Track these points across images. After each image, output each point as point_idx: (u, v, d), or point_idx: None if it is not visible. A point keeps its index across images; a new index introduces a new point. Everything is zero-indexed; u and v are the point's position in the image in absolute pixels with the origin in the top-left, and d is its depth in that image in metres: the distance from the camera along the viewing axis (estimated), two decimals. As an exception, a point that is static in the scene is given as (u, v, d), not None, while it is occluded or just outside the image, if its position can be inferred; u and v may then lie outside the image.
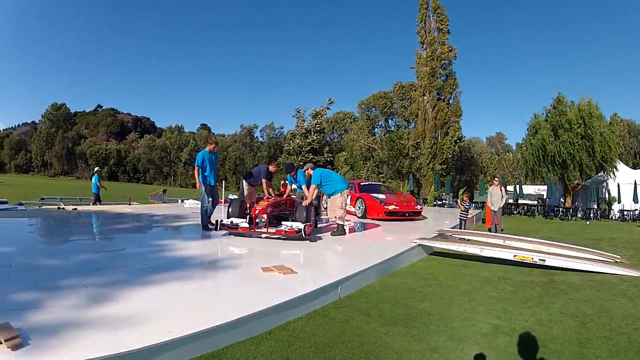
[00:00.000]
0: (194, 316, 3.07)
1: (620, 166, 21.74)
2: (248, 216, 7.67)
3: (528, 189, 27.79)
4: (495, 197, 10.62)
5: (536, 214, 21.23)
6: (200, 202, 7.97)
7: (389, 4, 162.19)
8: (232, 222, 7.21)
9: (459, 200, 16.32)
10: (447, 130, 29.86)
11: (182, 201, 17.22)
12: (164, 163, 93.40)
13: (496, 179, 11.54)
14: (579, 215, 19.86)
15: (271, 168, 8.48)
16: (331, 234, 7.75)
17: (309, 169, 7.97)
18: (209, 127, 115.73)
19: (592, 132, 19.76)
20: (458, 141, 30.35)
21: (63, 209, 12.35)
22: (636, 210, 20.33)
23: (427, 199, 25.08)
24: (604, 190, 22.39)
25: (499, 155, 53.24)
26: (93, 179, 14.66)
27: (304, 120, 42.61)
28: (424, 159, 30.22)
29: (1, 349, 2.34)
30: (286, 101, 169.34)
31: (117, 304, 3.27)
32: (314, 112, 42.33)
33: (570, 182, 21.50)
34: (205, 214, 7.75)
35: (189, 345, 2.70)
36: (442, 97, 30.47)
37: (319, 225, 8.69)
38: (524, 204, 23.02)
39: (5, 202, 12.47)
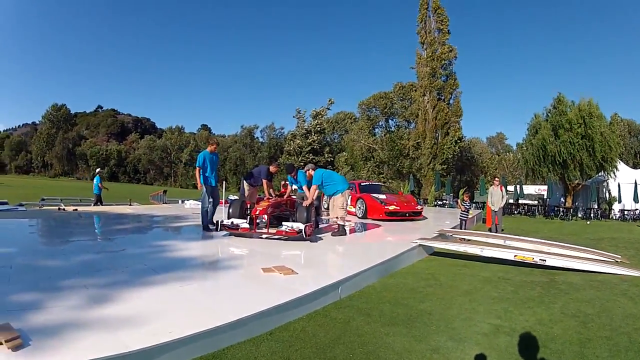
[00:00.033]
0: (195, 317, 3.07)
1: (621, 166, 21.72)
2: (248, 217, 7.67)
3: (528, 189, 27.79)
4: (496, 197, 10.61)
5: (536, 214, 21.22)
6: (200, 203, 7.97)
7: (389, 4, 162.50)
8: (232, 222, 7.21)
9: (459, 201, 16.32)
10: (448, 130, 29.87)
11: (183, 202, 17.23)
12: (165, 164, 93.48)
13: (497, 179, 11.54)
14: (580, 215, 19.84)
15: (272, 168, 8.48)
16: (332, 234, 7.75)
17: (310, 170, 7.97)
18: (209, 128, 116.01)
19: (592, 132, 19.74)
20: (458, 141, 30.37)
21: (63, 209, 12.36)
22: (636, 210, 20.30)
23: (427, 199, 25.08)
24: (604, 190, 22.38)
25: (499, 155, 53.29)
26: (95, 180, 14.66)
27: (304, 121, 42.65)
28: (425, 159, 30.24)
29: (2, 349, 2.34)
30: (286, 102, 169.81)
31: (118, 304, 3.27)
32: (315, 113, 42.36)
33: (571, 182, 21.48)
34: (206, 215, 7.74)
35: (189, 345, 2.70)
36: (443, 98, 30.49)
37: (319, 226, 8.69)
38: (525, 204, 23.00)
39: (6, 203, 12.49)
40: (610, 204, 21.44)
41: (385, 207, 11.22)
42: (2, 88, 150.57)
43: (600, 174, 21.12)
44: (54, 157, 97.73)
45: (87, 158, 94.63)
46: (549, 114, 22.20)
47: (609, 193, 21.98)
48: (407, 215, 11.63)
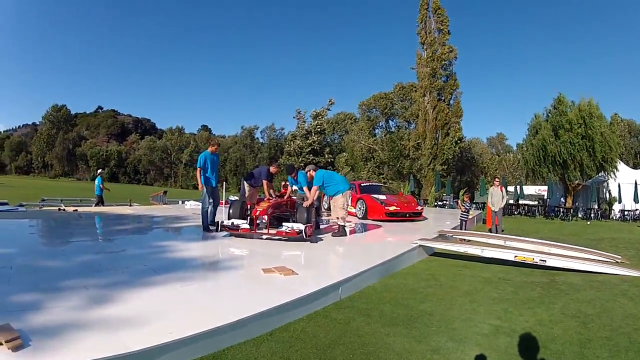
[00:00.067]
0: (195, 317, 3.07)
1: (621, 166, 21.73)
2: (249, 217, 7.68)
3: (529, 190, 27.78)
4: (496, 197, 10.61)
5: (537, 214, 21.23)
6: (201, 203, 7.97)
7: (390, 4, 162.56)
8: (233, 223, 7.21)
9: (459, 201, 16.32)
10: (448, 130, 29.88)
11: (183, 202, 17.24)
12: (165, 164, 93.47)
13: (497, 179, 11.53)
14: (580, 216, 19.85)
15: (272, 169, 8.49)
16: (332, 235, 7.76)
17: (311, 170, 7.97)
18: (209, 129, 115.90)
19: (592, 132, 19.75)
20: (459, 142, 30.38)
21: (64, 210, 12.36)
22: (637, 210, 20.31)
23: (427, 199, 25.08)
24: (604, 190, 22.38)
25: (499, 156, 53.27)
26: (96, 181, 14.66)
27: (304, 122, 42.58)
28: (425, 159, 30.24)
29: (2, 350, 2.34)
30: (287, 102, 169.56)
31: (118, 305, 3.27)
32: (315, 113, 42.30)
33: (571, 182, 21.48)
34: (206, 215, 7.74)
35: (189, 346, 2.70)
36: (443, 98, 30.50)
37: (320, 227, 8.69)
38: (525, 205, 23.02)
39: (6, 204, 12.49)
40: (610, 204, 21.44)
41: (386, 207, 11.23)
42: (2, 88, 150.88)
43: (600, 174, 21.12)
44: (54, 158, 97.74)
45: (87, 159, 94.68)
46: (549, 115, 22.21)
47: (609, 193, 21.98)
48: (407, 215, 11.63)
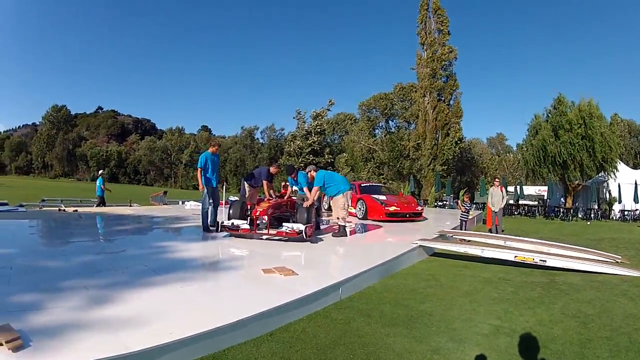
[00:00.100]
0: (195, 317, 3.08)
1: (621, 166, 21.74)
2: (249, 218, 7.68)
3: (529, 190, 27.78)
4: (496, 198, 10.62)
5: (537, 214, 21.23)
6: (201, 204, 7.97)
7: (390, 5, 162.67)
8: (233, 223, 7.21)
9: (459, 201, 16.32)
10: (448, 131, 29.88)
11: (183, 203, 17.24)
12: (165, 165, 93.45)
13: (497, 179, 11.54)
14: (580, 216, 19.85)
15: (272, 169, 8.49)
16: (332, 235, 7.76)
17: (312, 171, 7.97)
18: (209, 129, 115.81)
19: (592, 132, 19.76)
20: (459, 142, 30.38)
21: (64, 210, 12.36)
22: (637, 210, 20.32)
23: (427, 200, 25.09)
24: (604, 190, 22.39)
25: (499, 156, 53.24)
26: (97, 182, 14.66)
27: (304, 122, 42.60)
28: (425, 160, 30.24)
29: (2, 350, 2.34)
30: (287, 103, 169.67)
31: (118, 305, 3.27)
32: (315, 114, 42.32)
33: (571, 182, 21.49)
34: (206, 216, 7.74)
35: (190, 346, 2.70)
36: (443, 98, 30.50)
37: (320, 227, 8.69)
38: (525, 205, 23.02)
39: (6, 204, 12.49)
40: (610, 204, 21.45)
41: (386, 208, 11.23)
42: (2, 89, 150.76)
43: (600, 174, 21.13)
44: (54, 158, 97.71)
45: (87, 159, 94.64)
46: (549, 115, 22.22)
47: (609, 193, 21.99)
48: (407, 216, 11.63)
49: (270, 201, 7.79)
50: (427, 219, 12.63)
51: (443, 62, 29.97)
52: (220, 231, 7.38)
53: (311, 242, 6.88)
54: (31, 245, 6.44)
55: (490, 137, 70.18)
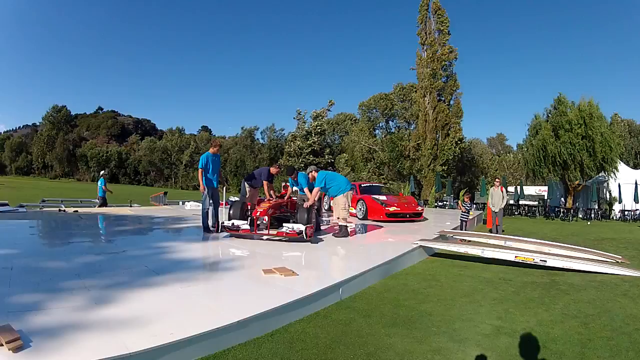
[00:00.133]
0: (196, 318, 3.08)
1: (621, 166, 21.75)
2: (249, 218, 7.68)
3: (529, 190, 27.79)
4: (496, 198, 10.62)
5: (537, 214, 21.22)
6: (201, 204, 7.97)
7: (390, 5, 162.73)
8: (233, 224, 7.21)
9: (460, 202, 16.31)
10: (448, 131, 29.85)
11: (183, 203, 17.23)
12: (165, 165, 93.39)
13: (497, 180, 11.54)
14: (580, 216, 19.85)
15: (272, 170, 8.49)
16: (333, 235, 7.77)
17: (313, 171, 7.96)
18: (209, 129, 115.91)
19: (592, 132, 19.77)
20: (459, 142, 30.34)
21: (64, 211, 12.37)
22: (637, 210, 20.32)
23: (428, 200, 25.08)
24: (604, 190, 22.39)
25: (499, 156, 53.20)
26: (99, 182, 14.64)
27: (304, 122, 42.69)
28: (425, 160, 30.21)
29: (2, 351, 2.34)
30: (287, 103, 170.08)
31: (119, 306, 3.27)
32: (315, 114, 42.40)
33: (571, 182, 21.50)
34: (207, 216, 7.75)
35: (190, 347, 2.70)
36: (443, 99, 30.48)
37: (321, 227, 8.69)
38: (525, 205, 23.02)
39: (6, 204, 12.49)
40: (610, 204, 21.45)
41: (386, 208, 11.23)
42: (2, 89, 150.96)
43: (600, 174, 21.13)
44: (54, 159, 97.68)
45: (87, 159, 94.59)
46: (549, 115, 22.24)
47: (610, 193, 21.99)
48: (407, 216, 11.63)
49: (271, 201, 7.80)
50: (427, 219, 12.63)
51: (443, 62, 29.94)
52: (221, 231, 7.38)
53: (311, 243, 6.88)
54: (31, 246, 6.45)
55: (490, 137, 70.28)
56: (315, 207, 7.97)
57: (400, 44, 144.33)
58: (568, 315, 3.99)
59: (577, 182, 21.48)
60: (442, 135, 30.03)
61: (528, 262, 6.20)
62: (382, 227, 10.05)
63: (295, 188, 8.76)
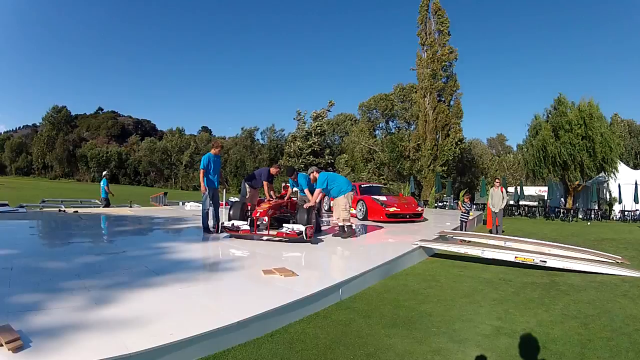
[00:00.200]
0: (196, 318, 3.08)
1: (621, 167, 21.75)
2: (249, 218, 7.68)
3: (529, 190, 27.79)
4: (496, 198, 10.62)
5: (537, 215, 21.22)
6: (201, 205, 7.97)
7: (390, 5, 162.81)
8: (233, 224, 7.22)
9: (459, 202, 16.32)
10: (448, 132, 29.86)
11: (183, 204, 17.22)
12: (165, 166, 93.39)
13: (497, 180, 11.54)
14: (580, 216, 19.86)
15: (272, 170, 8.49)
16: (333, 235, 7.77)
17: (314, 172, 7.96)
18: (209, 130, 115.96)
19: (592, 132, 19.78)
20: (459, 143, 30.35)
21: (64, 211, 12.37)
22: (637, 210, 20.32)
23: (428, 200, 25.08)
24: (604, 190, 22.39)
25: (499, 157, 53.20)
26: (102, 183, 14.60)
27: (304, 123, 42.70)
28: (425, 160, 30.22)
29: (2, 351, 2.34)
30: (287, 103, 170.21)
31: (119, 306, 3.27)
32: (315, 115, 42.41)
33: (571, 183, 21.49)
34: (207, 217, 7.75)
35: (190, 347, 2.70)
36: (443, 99, 30.48)
37: (321, 228, 8.69)
38: (525, 205, 23.02)
39: (6, 205, 12.49)
40: (610, 204, 21.45)
41: (386, 209, 11.23)
42: (2, 89, 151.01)
43: (600, 174, 21.13)
44: (54, 159, 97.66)
45: (87, 160, 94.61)
46: (549, 115, 22.24)
47: (610, 194, 22.00)
48: (407, 217, 11.63)
49: (271, 202, 7.80)
50: (427, 219, 12.64)
51: (443, 63, 29.95)
52: (221, 232, 7.38)
53: (311, 243, 6.88)
54: (31, 246, 6.44)
55: (490, 137, 70.31)
56: (315, 207, 7.97)
57: (400, 44, 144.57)
58: (568, 316, 3.99)
59: (577, 183, 21.48)
60: (442, 136, 30.03)
61: (528, 263, 6.20)
62: (382, 227, 10.04)
63: (295, 189, 8.76)
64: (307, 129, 41.76)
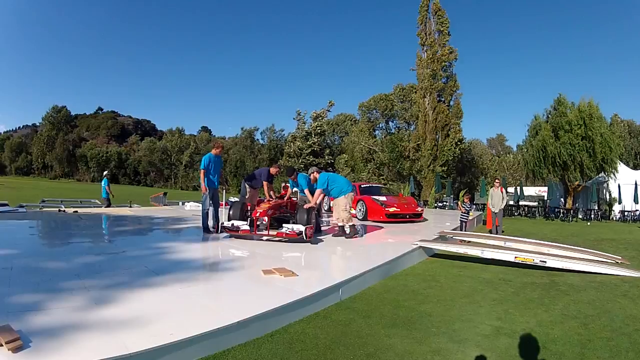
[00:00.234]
0: (196, 318, 3.08)
1: (621, 167, 21.76)
2: (249, 218, 7.68)
3: (529, 191, 27.79)
4: (496, 198, 10.62)
5: (537, 215, 21.22)
6: (201, 205, 7.97)
7: (390, 5, 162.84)
8: (233, 224, 7.21)
9: (459, 202, 16.32)
10: (448, 132, 29.84)
11: (183, 204, 17.21)
12: (165, 166, 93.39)
13: (497, 180, 11.55)
14: (580, 216, 19.86)
15: (272, 170, 8.49)
16: (333, 235, 7.76)
17: (315, 172, 7.95)
18: (209, 130, 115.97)
19: (592, 133, 19.78)
20: (459, 143, 30.33)
21: (64, 211, 12.36)
22: (637, 211, 20.33)
23: (427, 201, 25.08)
24: (604, 191, 22.39)
25: (499, 157, 53.20)
26: (102, 183, 14.57)
27: (304, 123, 42.68)
28: (425, 160, 30.21)
29: (2, 351, 2.34)
30: (287, 103, 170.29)
31: (119, 306, 3.27)
32: (315, 115, 42.39)
33: (571, 183, 21.50)
34: (207, 217, 7.75)
35: (190, 347, 2.70)
36: (443, 99, 30.46)
37: (321, 228, 8.68)
38: (525, 206, 23.03)
39: (6, 205, 12.48)
40: (610, 205, 21.45)
41: (386, 209, 11.23)
42: (2, 89, 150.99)
43: (600, 175, 21.13)
44: (54, 159, 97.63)
45: (87, 160, 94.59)
46: (549, 115, 22.24)
47: (609, 194, 22.00)
48: (407, 217, 11.63)
49: (270, 202, 7.80)
50: (427, 220, 12.64)
51: (443, 63, 29.92)
52: (221, 232, 7.38)
53: (311, 243, 6.88)
54: (31, 246, 6.44)
55: (490, 137, 70.35)
56: (315, 207, 7.97)
57: (400, 44, 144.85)
58: (568, 316, 4.00)
59: (577, 183, 21.49)
60: (442, 136, 30.01)
61: (528, 263, 6.20)
62: (382, 227, 10.04)
63: (295, 189, 8.75)
64: (307, 129, 41.74)
